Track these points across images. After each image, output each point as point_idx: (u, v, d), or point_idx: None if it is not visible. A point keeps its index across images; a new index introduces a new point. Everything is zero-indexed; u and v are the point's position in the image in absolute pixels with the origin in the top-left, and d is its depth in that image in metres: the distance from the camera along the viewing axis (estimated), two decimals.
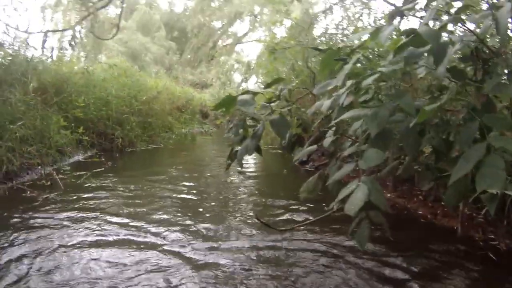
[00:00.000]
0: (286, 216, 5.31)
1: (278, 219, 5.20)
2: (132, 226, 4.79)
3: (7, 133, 7.05)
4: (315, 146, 3.09)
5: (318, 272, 3.68)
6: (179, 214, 5.33)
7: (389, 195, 6.06)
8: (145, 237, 4.48)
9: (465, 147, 2.13)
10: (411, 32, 2.27)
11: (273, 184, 8.08)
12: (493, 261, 3.95)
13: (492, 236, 4.46)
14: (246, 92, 2.81)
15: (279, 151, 11.16)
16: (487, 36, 2.97)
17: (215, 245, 4.28)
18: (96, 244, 4.20)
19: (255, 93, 2.85)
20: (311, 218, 5.02)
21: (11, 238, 4.23)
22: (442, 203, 5.11)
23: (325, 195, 3.49)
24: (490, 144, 2.01)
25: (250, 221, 5.04)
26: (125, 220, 5.00)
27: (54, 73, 10.44)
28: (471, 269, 3.77)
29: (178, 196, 6.34)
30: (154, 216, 5.19)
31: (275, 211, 5.58)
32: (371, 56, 3.33)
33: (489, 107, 2.43)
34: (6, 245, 4.05)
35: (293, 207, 5.64)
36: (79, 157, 9.40)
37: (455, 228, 4.68)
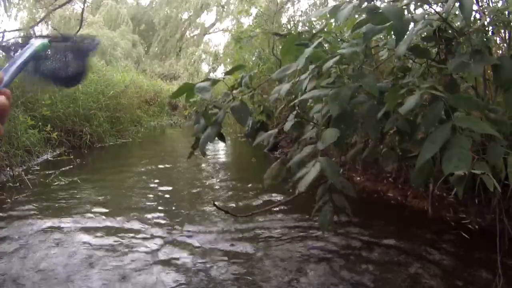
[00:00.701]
0: (253, 201, 5.40)
1: (244, 204, 5.29)
2: (102, 218, 4.81)
3: None
4: (275, 130, 3.05)
5: (287, 249, 3.83)
6: (150, 204, 5.36)
7: (358, 178, 6.08)
8: (117, 226, 4.53)
9: (430, 129, 2.10)
10: (373, 9, 2.21)
11: (242, 171, 8.22)
12: (466, 240, 3.98)
13: (464, 216, 4.49)
14: (206, 80, 2.77)
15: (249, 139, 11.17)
16: (453, 16, 2.93)
17: (191, 229, 4.40)
18: (64, 237, 4.20)
19: (215, 81, 2.81)
20: (274, 202, 5.21)
21: None
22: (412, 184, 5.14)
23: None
24: (455, 124, 1.97)
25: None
26: (94, 213, 5.00)
27: None
28: (444, 248, 3.80)
29: (148, 188, 6.33)
30: (124, 208, 5.19)
31: (242, 197, 5.68)
32: (333, 41, 3.28)
33: (452, 88, 2.41)
34: None
35: (260, 192, 5.69)
36: (48, 155, 9.18)
37: (426, 209, 4.70)
